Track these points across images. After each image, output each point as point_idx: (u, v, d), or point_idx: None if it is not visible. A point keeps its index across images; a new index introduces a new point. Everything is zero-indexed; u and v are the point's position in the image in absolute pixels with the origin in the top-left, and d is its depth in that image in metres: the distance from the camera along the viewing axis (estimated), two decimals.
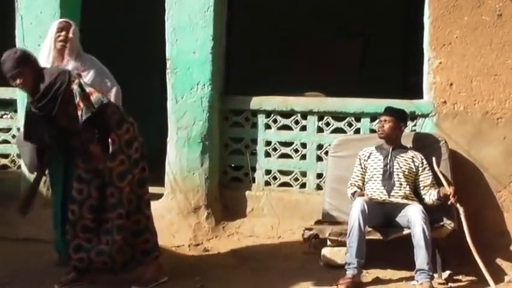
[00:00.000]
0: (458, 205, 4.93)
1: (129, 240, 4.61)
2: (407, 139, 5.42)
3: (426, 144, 5.41)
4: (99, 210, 4.56)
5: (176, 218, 5.99)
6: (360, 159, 5.32)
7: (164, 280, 4.83)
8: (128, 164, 4.54)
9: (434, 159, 5.27)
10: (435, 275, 4.89)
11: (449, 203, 4.94)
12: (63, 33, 4.96)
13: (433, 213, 4.99)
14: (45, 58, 4.96)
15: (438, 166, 5.25)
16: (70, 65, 4.91)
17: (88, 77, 4.89)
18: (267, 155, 6.20)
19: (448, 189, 4.97)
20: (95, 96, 4.46)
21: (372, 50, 9.24)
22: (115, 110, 4.61)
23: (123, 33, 8.63)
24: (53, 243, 5.15)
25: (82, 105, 4.39)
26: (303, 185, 6.12)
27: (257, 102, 6.16)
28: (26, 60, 4.51)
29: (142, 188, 4.69)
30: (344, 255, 4.95)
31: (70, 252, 4.65)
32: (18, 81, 4.46)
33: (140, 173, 4.66)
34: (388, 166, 5.16)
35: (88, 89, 4.49)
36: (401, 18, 8.82)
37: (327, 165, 5.69)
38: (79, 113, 4.40)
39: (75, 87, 4.45)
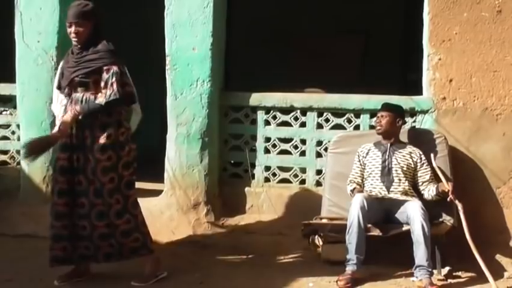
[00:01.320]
0: (456, 201, 4.93)
1: (118, 238, 4.63)
2: (406, 135, 5.42)
3: (425, 141, 5.40)
4: (70, 195, 4.60)
5: (175, 215, 5.99)
6: (359, 156, 5.32)
7: (163, 275, 4.85)
8: (115, 163, 4.60)
9: (432, 155, 5.27)
10: (435, 271, 4.89)
11: (448, 199, 4.94)
12: None
13: (433, 210, 4.98)
14: None
15: (435, 161, 5.25)
16: None
17: None
18: (267, 151, 6.20)
19: (446, 186, 4.97)
20: (129, 89, 4.63)
21: (373, 47, 9.24)
22: (122, 111, 4.68)
23: (123, 31, 8.61)
24: None
25: (115, 86, 4.51)
26: (303, 182, 6.12)
27: (257, 98, 6.15)
28: (90, 16, 4.64)
29: (130, 190, 4.74)
30: (343, 251, 4.94)
31: (50, 244, 4.69)
32: (73, 29, 4.60)
33: (130, 175, 4.72)
34: (387, 162, 5.16)
35: (126, 80, 4.62)
36: (402, 15, 8.83)
37: (327, 161, 5.68)
38: (108, 92, 4.50)
39: (115, 68, 4.56)
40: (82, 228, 4.60)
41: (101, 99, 4.52)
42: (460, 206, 4.91)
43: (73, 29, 4.60)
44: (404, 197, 5.05)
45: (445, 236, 5.09)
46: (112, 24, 8.27)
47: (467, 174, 5.51)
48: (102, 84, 4.54)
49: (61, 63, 4.87)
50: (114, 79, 4.52)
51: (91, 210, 4.56)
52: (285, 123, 6.15)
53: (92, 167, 4.55)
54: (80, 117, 4.55)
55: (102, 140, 4.54)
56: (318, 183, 6.03)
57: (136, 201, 4.78)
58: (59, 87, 4.79)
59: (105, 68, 4.55)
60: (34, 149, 4.65)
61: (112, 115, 4.60)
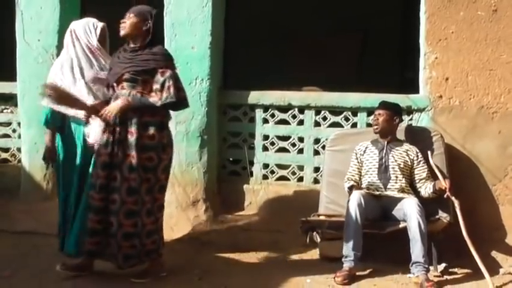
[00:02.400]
0: (453, 198, 4.97)
1: (142, 239, 4.65)
2: (402, 133, 5.46)
3: (422, 139, 5.43)
4: (107, 190, 4.61)
5: (175, 212, 6.01)
6: (356, 154, 5.36)
7: (163, 275, 4.86)
8: (156, 165, 4.62)
9: (429, 152, 5.31)
10: (431, 268, 4.93)
11: (444, 196, 4.98)
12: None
13: (429, 207, 5.02)
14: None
15: (433, 159, 5.29)
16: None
17: None
18: (265, 149, 6.23)
19: (443, 183, 5.00)
20: (183, 94, 4.67)
21: (371, 46, 9.26)
22: (166, 114, 4.72)
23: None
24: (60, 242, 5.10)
25: (172, 90, 4.54)
26: (301, 179, 6.16)
27: (255, 96, 6.19)
28: (144, 16, 4.69)
29: (161, 194, 4.78)
30: (340, 248, 4.98)
31: (84, 238, 4.70)
32: (124, 19, 4.69)
33: (165, 179, 4.77)
34: (384, 160, 5.20)
35: (180, 85, 4.66)
36: (400, 15, 8.85)
37: (324, 159, 5.72)
38: (165, 94, 4.54)
39: (171, 72, 4.60)
40: (110, 224, 4.61)
41: (155, 99, 4.55)
42: (456, 203, 4.93)
43: (124, 18, 4.67)
44: (400, 194, 5.08)
45: (441, 233, 5.11)
46: (113, 22, 8.39)
47: (463, 172, 5.54)
48: (156, 86, 4.56)
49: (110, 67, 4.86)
50: (171, 82, 4.54)
51: (121, 208, 4.56)
52: (283, 121, 6.19)
53: (129, 165, 4.55)
54: (129, 106, 4.56)
55: (145, 139, 4.57)
56: (316, 181, 6.07)
57: (161, 205, 4.81)
58: (107, 85, 4.80)
59: (160, 70, 4.58)
60: (62, 98, 4.71)
61: (156, 115, 4.61)
